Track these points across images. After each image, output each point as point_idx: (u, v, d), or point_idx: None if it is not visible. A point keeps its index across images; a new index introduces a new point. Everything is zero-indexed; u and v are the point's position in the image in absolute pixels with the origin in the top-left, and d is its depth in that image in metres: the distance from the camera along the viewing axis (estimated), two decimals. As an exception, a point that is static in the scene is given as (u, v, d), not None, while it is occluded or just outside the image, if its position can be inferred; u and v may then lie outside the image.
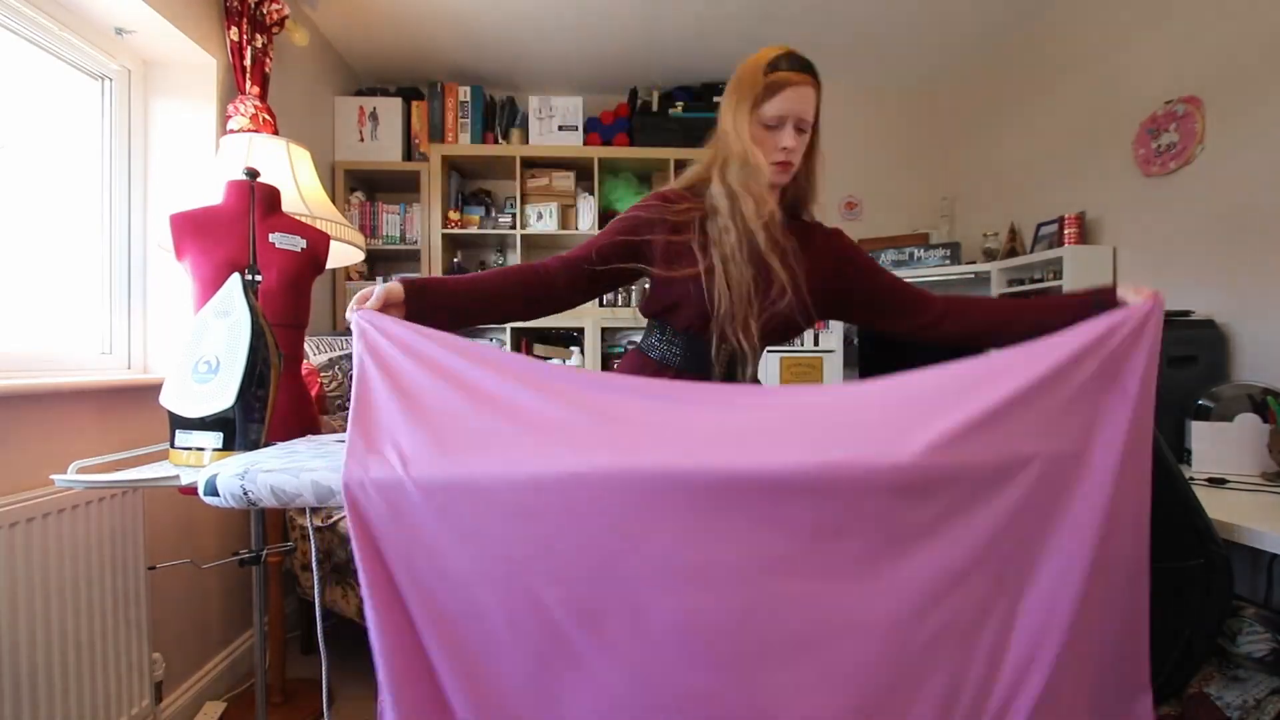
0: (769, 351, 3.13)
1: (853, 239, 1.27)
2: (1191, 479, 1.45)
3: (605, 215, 3.21)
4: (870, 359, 3.24)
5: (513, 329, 3.05)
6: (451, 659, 0.81)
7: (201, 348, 1.11)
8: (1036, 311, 1.12)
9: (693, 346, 1.18)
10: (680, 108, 3.22)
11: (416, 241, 3.08)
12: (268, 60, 2.16)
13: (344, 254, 2.11)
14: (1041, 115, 2.76)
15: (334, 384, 2.39)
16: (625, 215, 1.19)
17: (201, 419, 1.07)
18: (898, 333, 1.22)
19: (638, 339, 1.32)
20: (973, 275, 2.93)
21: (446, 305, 1.01)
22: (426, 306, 0.98)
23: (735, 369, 1.16)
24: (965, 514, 0.83)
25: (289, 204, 1.79)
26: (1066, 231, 2.42)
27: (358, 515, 0.78)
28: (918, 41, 3.01)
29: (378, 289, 0.94)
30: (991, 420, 0.83)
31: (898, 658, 0.83)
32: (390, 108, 3.08)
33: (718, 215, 1.13)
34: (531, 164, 3.19)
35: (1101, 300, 1.03)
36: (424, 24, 2.79)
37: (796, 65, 1.08)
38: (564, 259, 1.14)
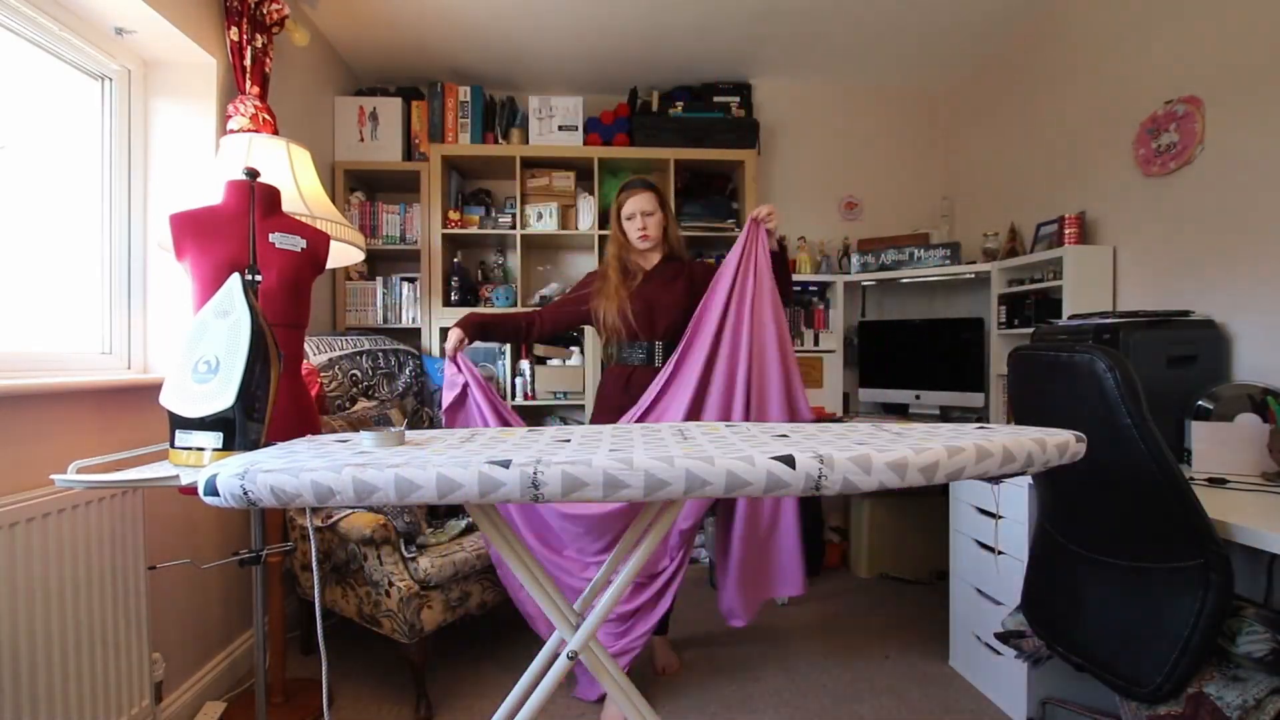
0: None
1: (712, 273, 1.98)
2: (1191, 479, 1.45)
3: (605, 215, 3.21)
4: (867, 357, 3.25)
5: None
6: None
7: (201, 348, 1.11)
8: None
9: (630, 349, 2.03)
10: (680, 108, 3.22)
11: (416, 241, 3.08)
12: (268, 60, 2.17)
13: (344, 254, 2.11)
14: (1041, 115, 2.76)
15: (334, 384, 2.39)
16: (578, 286, 2.16)
17: (201, 419, 1.07)
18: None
19: None
20: (973, 275, 2.93)
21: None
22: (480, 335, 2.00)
23: (653, 358, 2.00)
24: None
25: (289, 204, 1.80)
26: (1066, 231, 2.42)
27: None
28: (918, 41, 3.01)
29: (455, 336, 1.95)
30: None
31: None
32: (390, 108, 3.08)
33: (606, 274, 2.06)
34: (531, 164, 3.19)
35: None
36: (424, 24, 2.79)
37: (633, 185, 2.02)
38: (539, 315, 2.09)
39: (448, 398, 1.90)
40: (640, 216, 1.97)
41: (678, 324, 1.97)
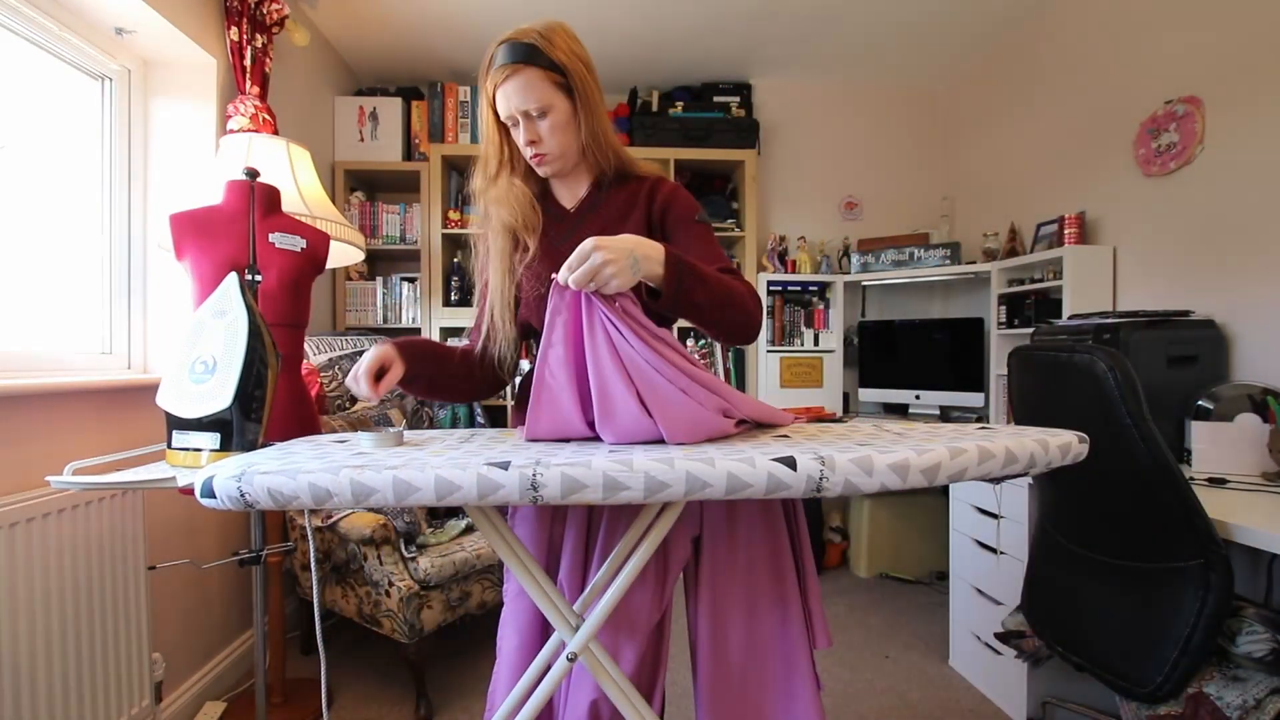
0: (769, 352, 3.15)
1: (687, 194, 1.19)
2: (1191, 479, 1.45)
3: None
4: (867, 357, 3.24)
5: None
6: None
7: (198, 348, 1.11)
8: None
9: None
10: (680, 108, 3.22)
11: (416, 241, 3.08)
12: (268, 60, 2.16)
13: (344, 254, 2.11)
14: (1041, 115, 2.76)
15: (334, 384, 2.39)
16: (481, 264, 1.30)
17: (198, 419, 1.07)
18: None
19: None
20: (973, 275, 2.93)
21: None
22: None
23: None
24: None
25: (289, 204, 1.79)
26: (1066, 231, 2.42)
27: None
28: (918, 41, 3.00)
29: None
30: None
31: None
32: (390, 108, 3.08)
33: None
34: (531, 164, 3.19)
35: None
36: (424, 24, 2.79)
37: (504, 58, 1.03)
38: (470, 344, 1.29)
39: None
40: (525, 121, 1.07)
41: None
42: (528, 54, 1.02)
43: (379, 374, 1.04)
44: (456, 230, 3.09)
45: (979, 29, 2.89)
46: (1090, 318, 2.04)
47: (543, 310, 0.95)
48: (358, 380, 1.01)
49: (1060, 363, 1.34)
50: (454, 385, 1.19)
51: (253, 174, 1.52)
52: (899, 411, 3.20)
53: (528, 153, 1.11)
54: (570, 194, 1.21)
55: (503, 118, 1.09)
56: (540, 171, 1.15)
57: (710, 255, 1.10)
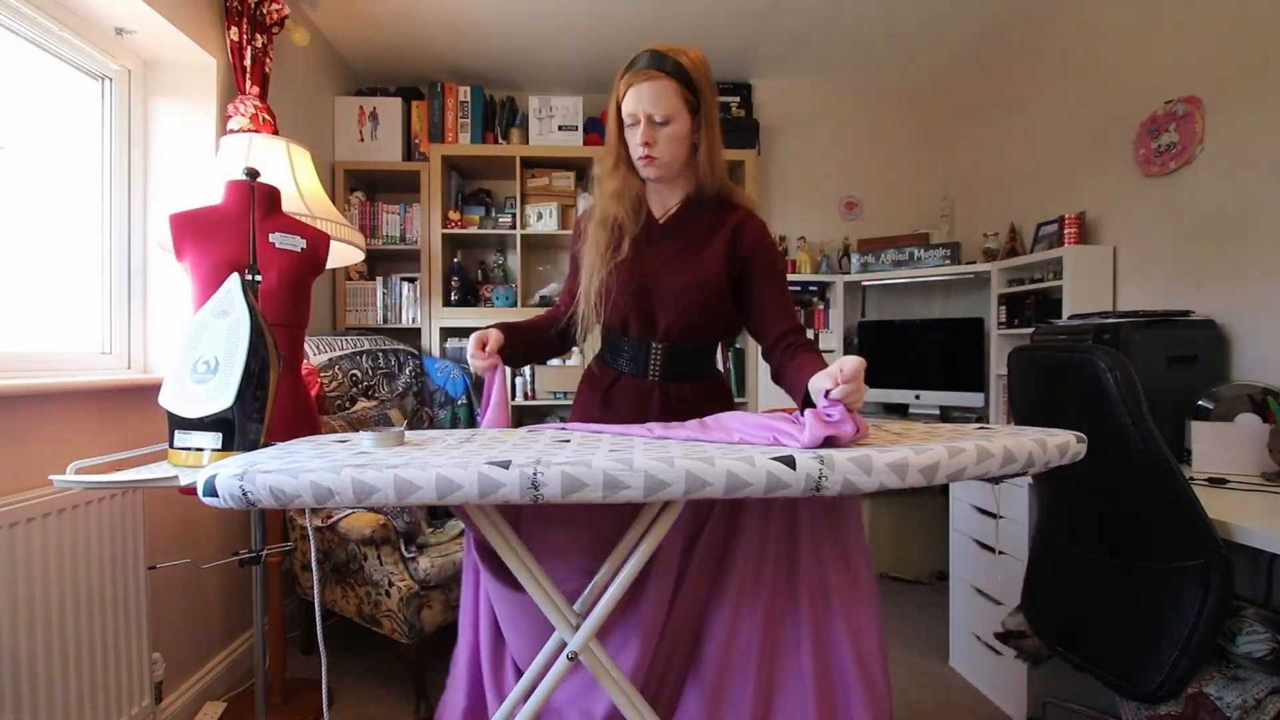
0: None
1: (772, 238, 1.27)
2: (1191, 479, 1.45)
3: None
4: (867, 357, 3.24)
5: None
6: None
7: (200, 348, 1.11)
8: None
9: (615, 345, 1.34)
10: (680, 108, 3.22)
11: (416, 241, 3.08)
12: (268, 60, 2.16)
13: (344, 254, 2.11)
14: (1041, 115, 2.76)
15: (334, 384, 2.39)
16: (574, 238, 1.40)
17: (200, 419, 1.07)
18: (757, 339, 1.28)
19: None
20: (972, 275, 2.93)
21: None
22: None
23: (646, 368, 1.29)
24: None
25: (289, 204, 1.79)
26: (1066, 231, 2.42)
27: None
28: (918, 42, 3.00)
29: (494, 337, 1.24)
30: None
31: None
32: (390, 108, 3.08)
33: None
34: (531, 164, 3.19)
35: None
36: (424, 24, 2.79)
37: (646, 63, 1.15)
38: (557, 309, 1.41)
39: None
40: (646, 124, 1.16)
41: (692, 323, 1.24)
42: (670, 65, 1.14)
43: (484, 345, 1.21)
44: (456, 230, 3.09)
45: (979, 29, 2.89)
46: (1090, 318, 2.04)
47: (611, 299, 1.20)
48: (471, 356, 1.20)
49: (1060, 363, 1.34)
50: (543, 346, 1.39)
51: (253, 174, 1.52)
52: (899, 411, 3.20)
53: (638, 152, 1.19)
54: (661, 204, 1.29)
55: (626, 114, 1.19)
56: (643, 173, 1.22)
57: (788, 309, 1.22)
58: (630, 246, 1.23)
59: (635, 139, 1.18)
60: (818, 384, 0.86)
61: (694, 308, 1.22)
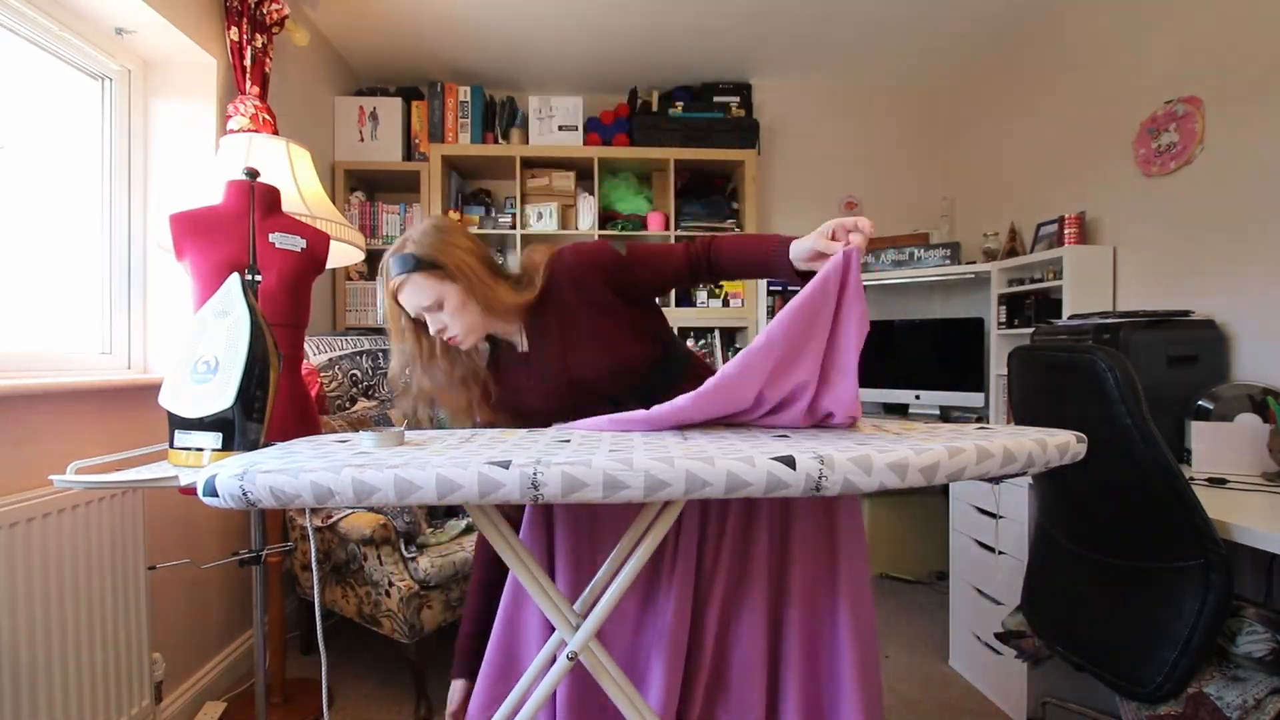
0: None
1: (590, 248, 1.25)
2: (1191, 479, 1.45)
3: (605, 215, 3.21)
4: (867, 356, 3.24)
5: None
6: None
7: (200, 348, 1.11)
8: (759, 247, 1.15)
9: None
10: (680, 108, 3.22)
11: (416, 241, 3.08)
12: (268, 60, 2.17)
13: (344, 254, 2.11)
14: (1041, 115, 2.76)
15: (334, 384, 2.39)
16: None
17: (200, 419, 1.07)
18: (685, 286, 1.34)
19: None
20: (973, 275, 2.93)
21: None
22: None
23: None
24: None
25: (289, 204, 1.79)
26: (1066, 231, 2.42)
27: None
28: (918, 41, 3.00)
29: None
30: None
31: None
32: (390, 108, 3.08)
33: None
34: (531, 164, 3.19)
35: (781, 248, 1.08)
36: (424, 24, 2.79)
37: (393, 271, 1.17)
38: None
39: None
40: (429, 316, 1.19)
41: (632, 368, 1.23)
42: (409, 264, 1.17)
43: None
44: (456, 230, 3.09)
45: (979, 29, 2.89)
46: (1090, 318, 2.04)
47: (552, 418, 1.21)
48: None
49: (1060, 363, 1.34)
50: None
51: (253, 174, 1.52)
52: (899, 411, 3.20)
53: (443, 337, 1.21)
54: (512, 341, 1.29)
55: (412, 316, 1.21)
56: (462, 348, 1.23)
57: (666, 247, 1.25)
58: (526, 385, 1.26)
59: (433, 329, 1.21)
60: (804, 246, 1.01)
61: (620, 366, 1.23)
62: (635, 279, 1.24)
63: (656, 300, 1.36)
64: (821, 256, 1.00)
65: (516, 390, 1.27)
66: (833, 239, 0.99)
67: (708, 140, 3.15)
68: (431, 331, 1.20)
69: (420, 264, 1.16)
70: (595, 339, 1.22)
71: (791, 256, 1.06)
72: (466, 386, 1.25)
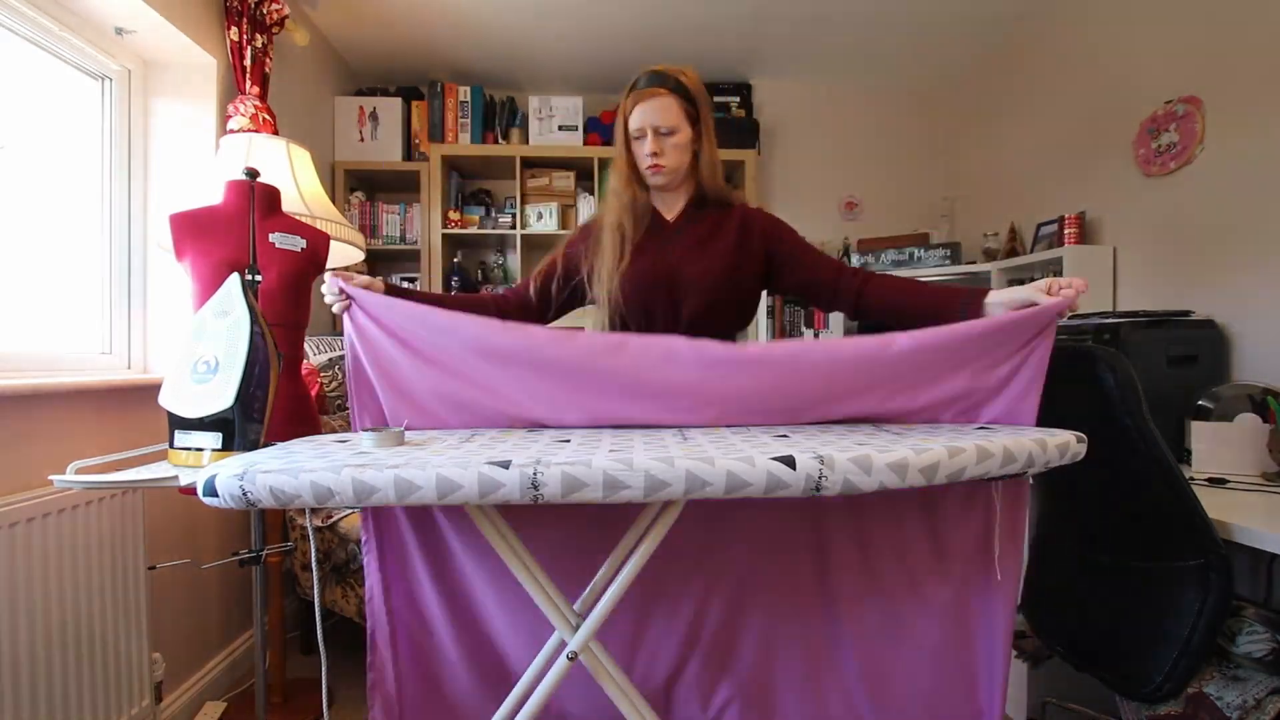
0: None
1: (775, 218, 1.39)
2: (1191, 479, 1.45)
3: (605, 215, 3.21)
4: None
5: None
6: None
7: (200, 348, 1.11)
8: (932, 305, 1.23)
9: None
10: (680, 108, 3.22)
11: (416, 241, 3.08)
12: (268, 60, 2.16)
13: (344, 254, 2.11)
14: (1041, 115, 2.76)
15: (334, 384, 2.39)
16: (560, 247, 1.42)
17: (200, 419, 1.07)
18: (820, 305, 1.41)
19: None
20: (973, 275, 2.93)
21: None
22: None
23: None
24: None
25: (289, 204, 1.79)
26: (1066, 231, 2.42)
27: None
28: (918, 41, 3.00)
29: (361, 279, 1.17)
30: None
31: None
32: (390, 108, 3.08)
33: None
34: (531, 164, 3.19)
35: (970, 304, 1.16)
36: (424, 24, 2.79)
37: (646, 83, 1.27)
38: (512, 290, 1.42)
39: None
40: (653, 135, 1.26)
41: (714, 308, 1.31)
42: (671, 83, 1.27)
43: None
44: (456, 230, 3.09)
45: (979, 29, 2.89)
46: (1090, 318, 2.04)
47: (633, 294, 1.28)
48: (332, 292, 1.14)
49: (1060, 363, 1.34)
50: (470, 309, 1.23)
51: (253, 174, 1.52)
52: (899, 411, 3.20)
53: (646, 162, 1.29)
54: (668, 208, 1.38)
55: (633, 129, 1.29)
56: (652, 181, 1.33)
57: (828, 257, 1.37)
58: (650, 245, 1.32)
59: (643, 150, 1.28)
60: (1016, 298, 1.10)
61: (715, 293, 1.30)
62: (791, 258, 1.34)
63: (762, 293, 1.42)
64: (1028, 305, 1.09)
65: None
66: (1048, 293, 1.07)
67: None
68: (646, 149, 1.27)
69: (684, 92, 1.27)
70: (723, 267, 1.30)
71: (988, 302, 1.14)
72: (627, 232, 1.31)
